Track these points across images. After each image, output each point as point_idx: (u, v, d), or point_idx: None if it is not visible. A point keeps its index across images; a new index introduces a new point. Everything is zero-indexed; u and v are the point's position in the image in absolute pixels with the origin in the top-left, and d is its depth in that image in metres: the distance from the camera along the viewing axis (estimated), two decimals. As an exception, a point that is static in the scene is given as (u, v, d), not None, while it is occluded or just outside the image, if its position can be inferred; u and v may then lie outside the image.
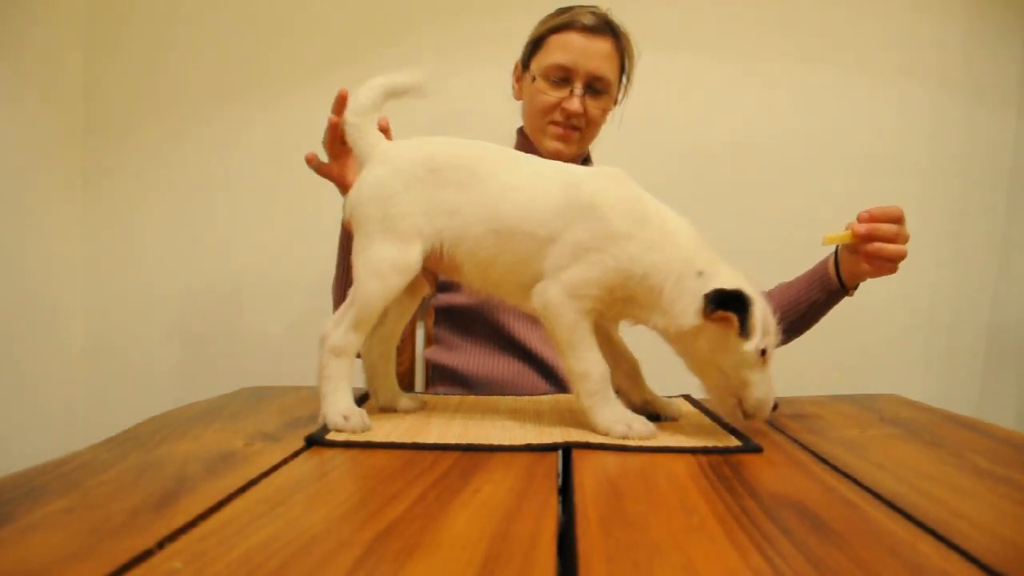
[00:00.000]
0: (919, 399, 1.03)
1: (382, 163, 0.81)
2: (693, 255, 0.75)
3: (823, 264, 1.05)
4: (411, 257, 0.78)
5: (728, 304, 0.71)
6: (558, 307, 0.75)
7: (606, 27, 1.19)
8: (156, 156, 1.73)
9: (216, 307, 1.75)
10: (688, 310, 0.73)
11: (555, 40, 1.19)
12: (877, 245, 0.90)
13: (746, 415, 0.76)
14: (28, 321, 1.59)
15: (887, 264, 0.92)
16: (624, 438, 0.73)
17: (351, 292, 0.79)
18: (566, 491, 0.57)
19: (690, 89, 1.74)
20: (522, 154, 0.85)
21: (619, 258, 0.74)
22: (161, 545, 0.43)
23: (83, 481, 0.55)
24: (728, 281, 0.72)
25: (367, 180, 0.80)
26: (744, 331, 0.71)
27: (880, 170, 1.74)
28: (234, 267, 1.74)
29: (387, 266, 0.77)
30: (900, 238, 0.91)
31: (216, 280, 1.75)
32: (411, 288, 0.84)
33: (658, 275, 0.74)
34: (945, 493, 0.57)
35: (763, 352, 0.74)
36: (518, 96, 1.30)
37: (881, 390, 1.14)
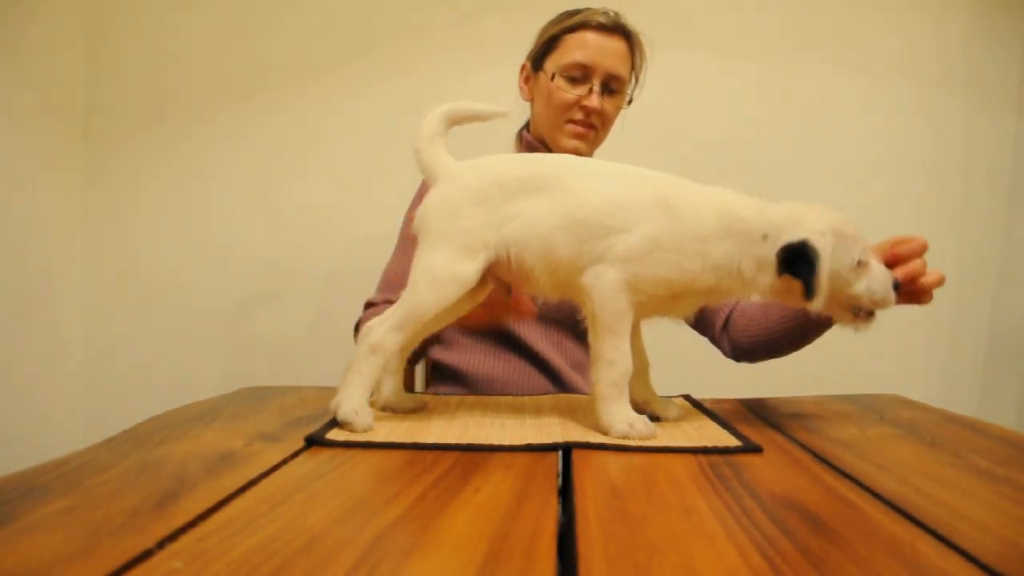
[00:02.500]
0: (919, 399, 1.03)
1: (449, 181, 0.82)
2: (751, 221, 0.76)
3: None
4: (470, 270, 0.78)
5: (795, 263, 0.73)
6: (614, 293, 0.76)
7: (620, 27, 1.20)
8: (156, 157, 1.73)
9: (216, 307, 1.75)
10: (769, 277, 0.76)
11: (572, 39, 1.19)
12: (923, 281, 0.86)
13: (870, 315, 0.79)
14: (28, 321, 1.59)
15: (923, 296, 0.88)
16: (624, 437, 0.73)
17: (403, 293, 0.79)
18: (566, 491, 0.57)
19: (689, 89, 1.74)
20: (592, 160, 0.86)
21: (693, 260, 0.75)
22: (161, 545, 0.43)
23: (83, 481, 0.55)
24: (791, 231, 0.74)
25: (435, 196, 0.82)
26: (808, 294, 0.73)
27: (880, 170, 1.74)
28: (234, 268, 1.74)
29: (445, 275, 0.78)
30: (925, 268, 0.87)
31: (216, 280, 1.75)
32: (463, 298, 0.83)
33: (732, 260, 0.76)
34: (945, 493, 0.57)
35: (858, 262, 0.75)
36: (527, 97, 1.29)
37: (881, 390, 1.14)
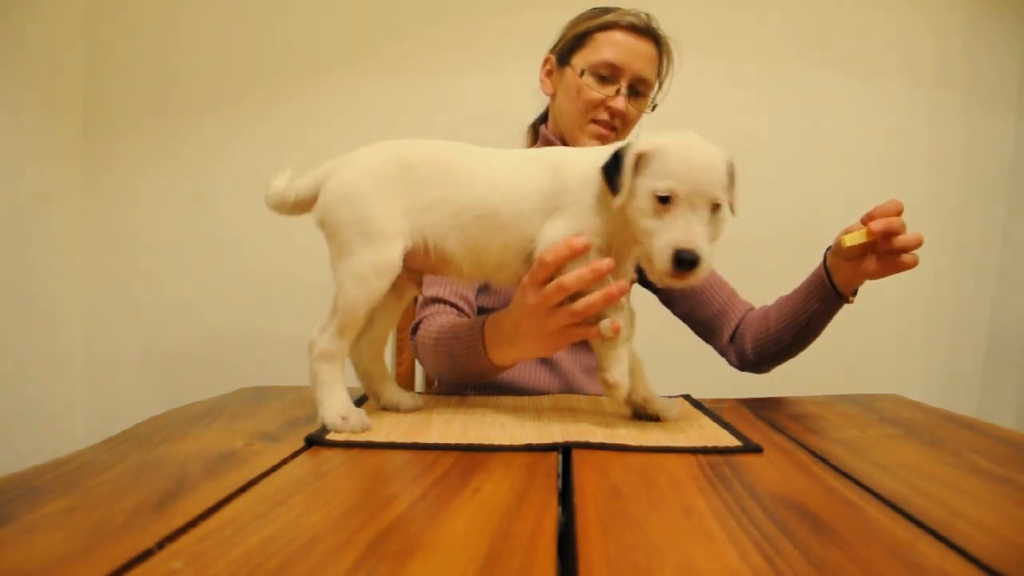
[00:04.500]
0: (919, 399, 1.03)
1: (348, 167, 0.80)
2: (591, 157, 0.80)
3: (816, 274, 1.03)
4: (392, 257, 0.77)
5: (608, 168, 0.76)
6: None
7: (651, 31, 1.19)
8: (156, 156, 1.73)
9: (216, 306, 1.75)
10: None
11: (603, 37, 1.18)
12: (894, 239, 0.86)
13: (651, 265, 0.75)
14: (28, 321, 1.59)
15: (905, 258, 0.88)
16: (616, 385, 0.76)
17: (334, 299, 0.78)
18: (566, 491, 0.57)
19: (689, 90, 1.74)
20: (478, 147, 0.86)
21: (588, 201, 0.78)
22: (161, 545, 0.43)
23: (83, 481, 0.55)
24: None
25: (336, 184, 0.79)
26: (611, 188, 0.75)
27: (880, 170, 1.74)
28: (234, 267, 1.74)
29: (368, 270, 0.77)
30: (906, 230, 0.88)
31: (216, 279, 1.75)
32: (397, 290, 0.84)
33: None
34: (945, 493, 0.57)
35: (665, 199, 0.73)
36: (548, 91, 1.27)
37: (881, 390, 1.15)
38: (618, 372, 0.77)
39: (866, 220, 0.88)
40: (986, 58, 1.73)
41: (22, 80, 1.55)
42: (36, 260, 1.62)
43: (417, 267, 0.85)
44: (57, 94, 1.66)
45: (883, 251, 0.88)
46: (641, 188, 0.74)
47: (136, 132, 1.73)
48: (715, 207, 0.75)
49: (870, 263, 0.91)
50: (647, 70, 1.19)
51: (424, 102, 1.71)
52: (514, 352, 0.91)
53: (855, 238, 0.88)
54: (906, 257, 0.88)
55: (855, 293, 1.00)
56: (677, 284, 0.74)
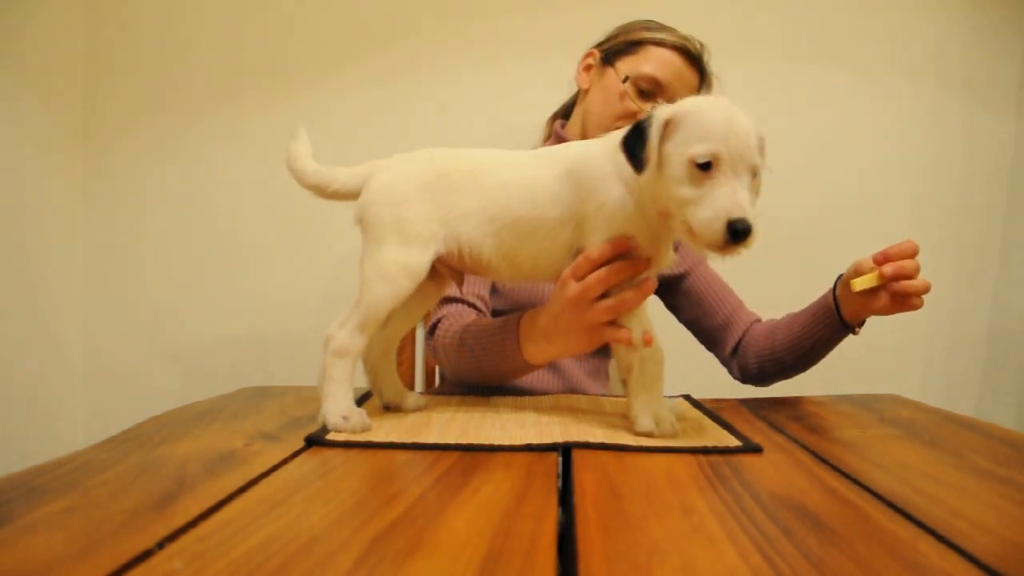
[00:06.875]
0: (919, 399, 1.03)
1: (390, 169, 0.83)
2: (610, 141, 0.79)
3: (824, 301, 1.02)
4: (422, 261, 0.79)
5: (629, 143, 0.73)
6: None
7: (700, 62, 1.20)
8: (156, 157, 1.73)
9: (216, 306, 1.75)
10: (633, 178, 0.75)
11: (655, 51, 1.17)
12: (904, 283, 0.86)
13: (697, 238, 0.70)
14: (28, 321, 1.59)
15: (914, 300, 0.88)
16: (648, 434, 0.75)
17: (358, 293, 0.79)
18: (566, 491, 0.57)
19: (690, 89, 1.74)
20: (504, 152, 0.86)
21: (610, 193, 0.77)
22: (161, 545, 0.43)
23: (83, 481, 0.55)
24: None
25: (378, 185, 0.82)
26: (636, 165, 0.71)
27: (880, 170, 1.74)
28: (234, 266, 1.74)
29: (397, 269, 0.78)
30: (919, 273, 0.88)
31: (216, 279, 1.74)
32: (424, 292, 0.85)
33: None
34: (945, 493, 0.57)
35: (706, 165, 0.69)
36: (584, 85, 1.26)
37: (881, 390, 1.15)
38: (644, 421, 0.76)
39: (879, 260, 0.86)
40: (986, 58, 1.73)
41: (22, 80, 1.55)
42: (36, 260, 1.62)
43: (457, 268, 0.86)
44: (57, 94, 1.66)
45: (893, 292, 0.88)
46: (673, 156, 0.71)
47: (136, 132, 1.73)
48: (753, 174, 0.72)
49: (879, 299, 0.90)
50: (684, 96, 1.18)
51: (428, 102, 1.71)
52: (550, 348, 0.90)
53: (865, 282, 0.88)
54: (915, 300, 0.87)
55: (862, 324, 0.99)
56: (725, 255, 0.70)
